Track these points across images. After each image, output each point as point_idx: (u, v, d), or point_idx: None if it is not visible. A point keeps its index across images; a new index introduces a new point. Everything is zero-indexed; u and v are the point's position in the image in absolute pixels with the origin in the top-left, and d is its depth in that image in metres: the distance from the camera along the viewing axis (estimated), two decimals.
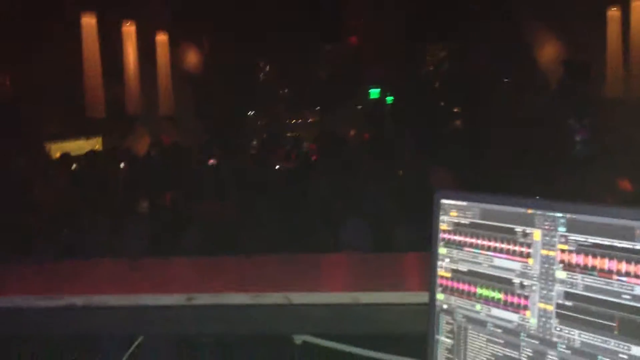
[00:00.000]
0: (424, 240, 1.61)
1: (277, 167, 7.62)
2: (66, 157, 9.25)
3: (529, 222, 1.33)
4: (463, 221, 1.45)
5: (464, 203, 1.45)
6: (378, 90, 14.03)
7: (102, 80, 9.83)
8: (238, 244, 4.22)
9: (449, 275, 1.48)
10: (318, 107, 13.52)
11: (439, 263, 1.50)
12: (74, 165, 9.03)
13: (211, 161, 7.85)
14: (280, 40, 13.18)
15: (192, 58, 12.45)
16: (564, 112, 9.99)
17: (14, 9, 8.83)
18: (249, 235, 4.24)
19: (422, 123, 11.73)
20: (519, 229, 1.34)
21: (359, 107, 13.67)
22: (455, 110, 12.90)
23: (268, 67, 14.68)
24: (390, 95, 14.10)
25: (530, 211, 1.33)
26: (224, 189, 6.20)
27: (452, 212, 1.47)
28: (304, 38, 13.27)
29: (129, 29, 10.75)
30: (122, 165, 8.94)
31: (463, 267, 1.45)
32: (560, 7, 10.68)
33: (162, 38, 11.54)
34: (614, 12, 10.70)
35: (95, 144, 10.56)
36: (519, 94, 11.49)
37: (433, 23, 13.13)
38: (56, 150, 10.23)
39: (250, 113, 12.92)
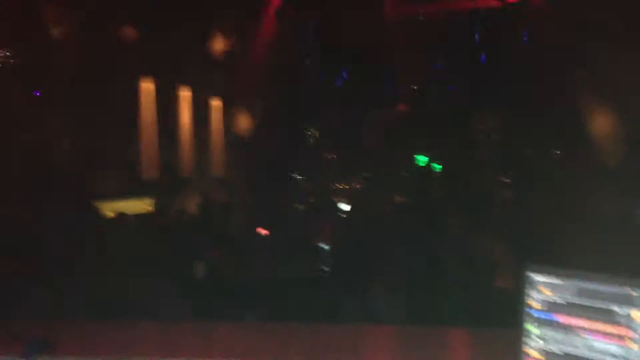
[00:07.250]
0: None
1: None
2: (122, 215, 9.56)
3: (633, 303, 1.25)
4: (558, 300, 1.37)
5: (559, 281, 1.37)
6: (427, 158, 14.00)
7: (158, 142, 10.11)
8: None
9: (542, 358, 1.40)
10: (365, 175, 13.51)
11: (531, 343, 1.42)
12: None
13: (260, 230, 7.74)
14: (328, 105, 13.44)
15: (243, 122, 12.72)
16: None
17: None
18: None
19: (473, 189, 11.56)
20: (621, 310, 1.27)
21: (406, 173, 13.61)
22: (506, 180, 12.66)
23: (317, 132, 14.81)
24: (438, 164, 14.02)
25: (635, 293, 1.25)
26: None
27: (544, 289, 1.40)
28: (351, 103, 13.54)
29: (185, 94, 11.12)
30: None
31: (558, 350, 1.37)
32: None
33: (216, 103, 11.88)
34: None
35: (147, 204, 10.72)
36: None
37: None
38: (109, 208, 10.39)
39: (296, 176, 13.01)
